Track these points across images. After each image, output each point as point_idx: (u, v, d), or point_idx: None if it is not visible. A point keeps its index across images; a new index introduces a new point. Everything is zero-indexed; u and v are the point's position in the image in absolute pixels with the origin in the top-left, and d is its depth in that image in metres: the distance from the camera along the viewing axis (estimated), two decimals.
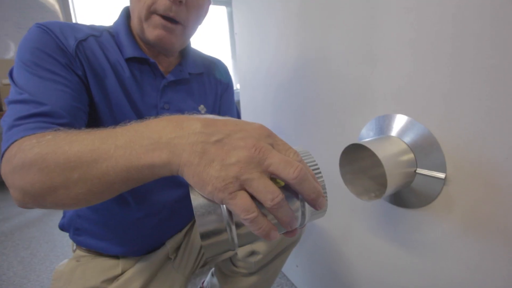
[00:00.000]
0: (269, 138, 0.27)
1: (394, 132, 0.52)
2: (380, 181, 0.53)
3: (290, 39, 0.77)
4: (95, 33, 0.53)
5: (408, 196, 0.52)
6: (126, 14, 0.58)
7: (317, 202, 0.26)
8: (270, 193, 0.24)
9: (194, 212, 0.25)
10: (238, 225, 0.26)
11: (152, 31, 0.52)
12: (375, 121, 0.56)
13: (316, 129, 0.74)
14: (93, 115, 0.51)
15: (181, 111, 0.63)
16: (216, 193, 0.24)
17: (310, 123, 0.76)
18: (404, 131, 0.50)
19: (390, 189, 0.46)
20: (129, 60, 0.55)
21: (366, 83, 0.57)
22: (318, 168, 0.30)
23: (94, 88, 0.50)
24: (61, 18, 2.14)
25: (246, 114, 1.10)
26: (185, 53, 0.66)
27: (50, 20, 0.56)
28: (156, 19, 0.51)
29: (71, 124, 0.42)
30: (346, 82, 0.61)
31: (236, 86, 2.30)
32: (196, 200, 0.26)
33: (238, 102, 1.14)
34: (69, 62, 0.47)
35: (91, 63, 0.50)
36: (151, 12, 0.51)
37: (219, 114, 0.74)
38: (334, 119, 0.67)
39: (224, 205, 0.25)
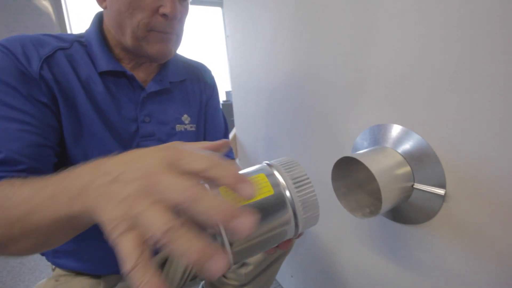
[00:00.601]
0: (172, 162, 0.22)
1: (389, 143, 0.48)
2: (376, 196, 0.49)
3: (283, 44, 0.74)
4: (64, 44, 0.50)
5: (406, 211, 0.48)
6: (99, 21, 0.54)
7: (227, 224, 0.19)
8: (156, 224, 0.18)
9: None
10: (231, 244, 0.24)
11: (153, 47, 0.51)
12: (370, 130, 0.52)
13: (309, 137, 0.71)
14: (64, 144, 0.48)
15: (163, 123, 0.59)
16: (109, 238, 0.20)
17: (303, 131, 0.73)
18: (400, 142, 0.47)
19: (385, 205, 0.42)
20: (103, 74, 0.51)
21: (360, 90, 0.53)
22: (307, 178, 0.29)
23: (64, 111, 0.47)
24: (54, 21, 2.11)
25: (239, 119, 1.07)
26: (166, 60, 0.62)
27: (44, 24, 0.53)
28: (155, 35, 0.50)
29: (32, 168, 0.40)
30: (340, 88, 0.58)
31: (228, 89, 2.27)
32: None
33: (231, 105, 1.11)
34: (31, 90, 0.43)
35: (59, 82, 0.47)
36: (148, 31, 0.49)
37: (205, 121, 0.70)
38: (328, 127, 0.64)
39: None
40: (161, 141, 0.60)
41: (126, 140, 0.55)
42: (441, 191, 0.42)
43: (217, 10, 2.96)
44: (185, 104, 0.64)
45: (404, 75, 0.45)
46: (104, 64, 0.51)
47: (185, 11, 0.54)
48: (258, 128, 0.95)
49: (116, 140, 0.53)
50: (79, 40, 0.52)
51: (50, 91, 0.45)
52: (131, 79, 0.54)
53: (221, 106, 0.76)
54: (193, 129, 0.66)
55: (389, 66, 0.47)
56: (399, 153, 0.46)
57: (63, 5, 2.18)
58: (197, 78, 0.69)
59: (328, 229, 0.71)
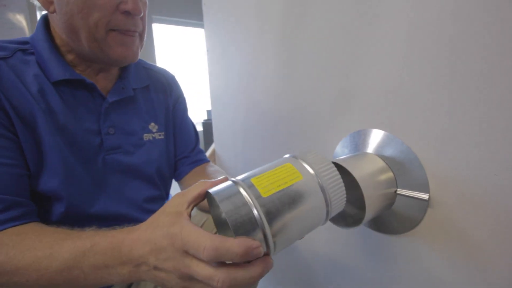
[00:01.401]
0: (184, 250, 0.27)
1: (370, 148, 0.47)
2: (359, 204, 0.47)
3: (262, 57, 0.73)
4: (3, 53, 0.44)
5: (389, 221, 0.46)
6: (46, 25, 0.49)
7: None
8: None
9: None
10: (273, 235, 0.27)
11: (115, 50, 0.47)
12: (350, 137, 0.51)
13: (289, 148, 0.69)
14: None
15: (129, 133, 0.55)
16: None
17: (283, 143, 0.71)
18: (381, 147, 0.46)
19: (369, 213, 0.40)
20: (58, 84, 0.47)
21: (340, 97, 0.52)
22: (331, 164, 0.33)
23: (20, 130, 0.42)
24: (27, 35, 2.04)
25: (218, 134, 1.04)
26: (127, 65, 0.58)
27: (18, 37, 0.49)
28: (116, 36, 0.46)
29: (16, 203, 0.41)
30: (320, 97, 0.57)
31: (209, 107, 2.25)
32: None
33: (211, 123, 1.08)
34: None
35: (8, 99, 0.41)
36: (107, 31, 0.45)
37: (174, 127, 0.67)
38: (307, 136, 0.62)
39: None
40: (129, 153, 0.55)
41: (90, 155, 0.50)
42: (425, 196, 0.40)
43: (201, 31, 3.01)
44: (151, 111, 0.61)
45: (384, 81, 0.45)
46: (58, 73, 0.46)
47: (145, 7, 0.51)
48: (237, 143, 0.93)
49: (78, 157, 0.48)
50: (22, 48, 0.46)
51: (3, 110, 0.41)
52: (90, 88, 0.50)
53: (188, 113, 0.73)
54: (162, 137, 0.63)
55: (369, 72, 0.47)
56: (381, 158, 0.45)
57: (38, 18, 2.12)
58: (161, 83, 0.66)
59: (307, 242, 0.68)
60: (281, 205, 0.28)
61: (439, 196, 0.40)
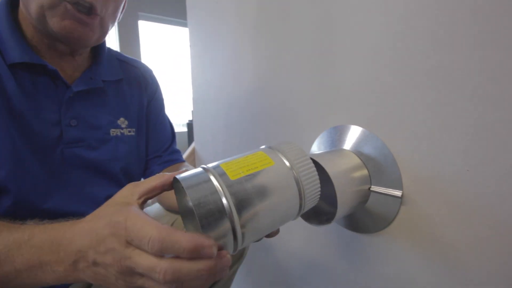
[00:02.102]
0: (127, 240, 0.25)
1: (346, 145, 0.46)
2: (331, 201, 0.46)
3: (241, 51, 0.71)
4: None
5: (363, 219, 0.45)
6: (9, 3, 0.45)
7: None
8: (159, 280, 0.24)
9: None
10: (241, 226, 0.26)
11: (58, 22, 0.41)
12: (327, 133, 0.50)
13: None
14: None
15: (94, 127, 0.52)
16: None
17: (262, 140, 0.69)
18: (357, 144, 0.45)
19: (341, 210, 0.39)
20: (15, 67, 0.43)
21: (318, 94, 0.51)
22: (306, 155, 0.32)
23: None
24: None
25: (199, 129, 1.01)
26: (99, 54, 0.55)
27: None
28: (66, 7, 0.41)
29: None
30: (298, 93, 0.56)
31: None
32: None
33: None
34: None
35: None
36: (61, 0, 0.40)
37: (147, 125, 0.64)
38: (287, 133, 0.61)
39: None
40: (92, 147, 0.52)
41: (46, 147, 0.46)
42: (398, 193, 0.39)
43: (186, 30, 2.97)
44: (122, 106, 0.57)
45: (362, 77, 0.44)
46: (16, 55, 0.42)
47: None
48: (217, 140, 0.90)
49: (33, 148, 0.44)
50: None
51: None
52: (53, 75, 0.46)
53: (165, 110, 0.70)
54: (132, 133, 0.59)
55: (347, 69, 0.46)
56: (356, 155, 0.44)
57: None
58: (136, 78, 0.62)
59: (282, 242, 0.66)
60: (252, 193, 0.26)
61: (412, 193, 0.39)
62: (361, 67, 0.43)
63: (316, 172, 0.32)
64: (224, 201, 0.25)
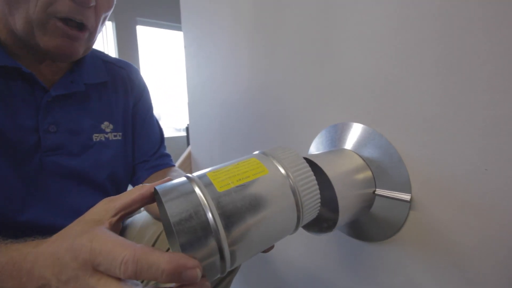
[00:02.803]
0: (94, 266, 0.21)
1: (347, 144, 0.42)
2: (332, 207, 0.42)
3: (236, 51, 0.68)
4: None
5: (368, 226, 0.41)
6: None
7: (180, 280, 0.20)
8: None
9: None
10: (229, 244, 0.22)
11: (50, 41, 0.40)
12: (326, 132, 0.46)
13: (266, 147, 0.63)
14: None
15: (75, 132, 0.48)
16: None
17: (259, 141, 0.65)
18: (359, 142, 0.41)
19: (343, 217, 0.35)
20: None
21: (315, 90, 0.48)
22: (304, 162, 0.28)
23: None
24: None
25: (195, 131, 0.98)
26: (81, 57, 0.51)
27: None
28: (57, 25, 0.39)
29: None
30: (296, 91, 0.52)
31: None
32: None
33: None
34: None
35: None
36: (48, 15, 0.38)
37: (133, 128, 0.60)
38: (282, 133, 0.57)
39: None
40: (72, 154, 0.48)
41: (22, 155, 0.43)
42: (406, 196, 0.35)
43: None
44: (105, 110, 0.54)
45: (363, 71, 0.40)
46: None
47: (106, 4, 0.44)
48: (213, 143, 0.87)
49: (7, 157, 0.41)
50: None
51: None
52: (29, 79, 0.43)
53: (154, 112, 0.66)
54: (119, 138, 0.55)
55: (346, 63, 0.42)
56: (358, 155, 0.40)
57: None
58: (123, 79, 0.58)
59: (280, 251, 0.62)
60: (243, 207, 0.23)
61: (422, 196, 0.35)
62: (361, 58, 0.39)
63: (315, 181, 0.28)
64: (210, 216, 0.21)
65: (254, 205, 0.24)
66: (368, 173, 0.38)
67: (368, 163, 0.39)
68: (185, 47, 1.00)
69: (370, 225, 0.40)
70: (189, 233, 0.20)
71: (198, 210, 0.21)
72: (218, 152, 0.84)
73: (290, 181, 0.26)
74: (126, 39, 2.82)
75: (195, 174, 0.26)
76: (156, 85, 3.13)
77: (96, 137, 0.52)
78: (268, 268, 0.68)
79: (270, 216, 0.25)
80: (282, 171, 0.27)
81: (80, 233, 0.23)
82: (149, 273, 0.20)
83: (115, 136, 0.55)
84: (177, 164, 1.02)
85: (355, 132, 0.41)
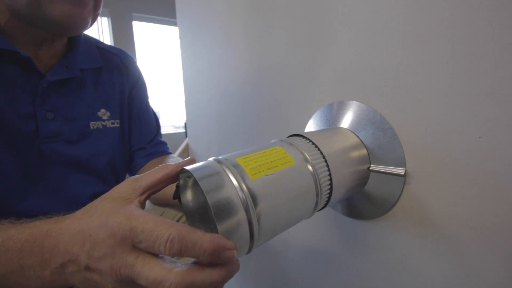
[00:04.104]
0: (132, 243, 0.22)
1: (344, 123, 0.42)
2: None
3: (230, 36, 0.68)
4: None
5: (363, 204, 0.41)
6: None
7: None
8: None
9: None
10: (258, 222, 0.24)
11: (59, 8, 0.38)
12: (320, 112, 0.46)
13: (259, 131, 0.63)
14: None
15: (72, 119, 0.48)
16: None
17: (253, 125, 0.65)
18: (355, 120, 0.40)
19: (337, 194, 0.35)
20: None
21: (310, 69, 0.47)
22: (322, 156, 0.32)
23: None
24: None
25: (192, 122, 0.98)
26: (75, 41, 0.51)
27: None
28: None
29: None
30: (290, 74, 0.52)
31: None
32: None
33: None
34: None
35: None
36: None
37: (130, 115, 0.60)
38: (278, 116, 0.57)
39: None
40: (70, 142, 0.48)
41: (21, 143, 0.42)
42: (401, 171, 0.35)
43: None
44: (102, 96, 0.54)
45: (355, 45, 0.40)
46: None
47: None
48: (209, 126, 0.87)
49: (6, 144, 0.41)
50: None
51: None
52: (25, 64, 0.42)
53: (149, 99, 0.66)
54: (116, 125, 0.55)
55: (341, 39, 0.42)
56: (354, 133, 0.40)
57: None
58: (117, 65, 0.58)
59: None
60: (270, 190, 0.25)
61: (416, 169, 0.35)
62: (353, 32, 0.39)
63: (329, 172, 0.32)
64: (241, 195, 0.23)
65: (281, 190, 0.25)
66: (363, 150, 0.38)
67: (363, 139, 0.39)
68: (180, 37, 1.00)
69: (365, 202, 0.40)
70: (224, 209, 0.21)
71: (231, 189, 0.22)
72: (215, 141, 0.84)
73: (313, 169, 0.29)
74: (122, 35, 2.81)
75: (221, 157, 0.27)
76: (154, 82, 3.12)
77: (93, 124, 0.52)
78: (264, 247, 0.68)
79: (294, 202, 0.27)
80: (309, 161, 0.29)
81: (112, 210, 0.23)
82: (192, 251, 0.20)
83: (112, 123, 0.55)
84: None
85: (349, 110, 0.41)
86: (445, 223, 0.33)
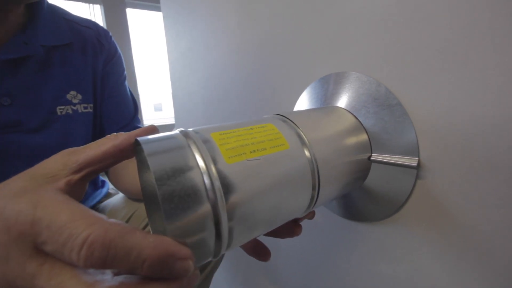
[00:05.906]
0: (23, 237, 0.14)
1: (338, 100, 0.33)
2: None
3: (215, 11, 0.59)
4: None
5: (363, 203, 0.32)
6: None
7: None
8: None
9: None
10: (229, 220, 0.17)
11: None
12: (311, 89, 0.37)
13: (247, 112, 0.55)
14: None
15: (34, 105, 0.41)
16: None
17: (240, 106, 0.57)
18: (353, 96, 0.32)
19: (326, 190, 0.26)
20: None
21: (306, 40, 0.38)
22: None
23: None
24: None
25: (178, 102, 0.90)
26: (36, 11, 0.43)
27: None
28: None
29: None
30: (280, 45, 0.43)
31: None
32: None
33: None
34: None
35: None
36: None
37: (102, 95, 0.52)
38: (268, 95, 0.48)
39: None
40: (34, 131, 0.41)
41: None
42: (412, 161, 0.26)
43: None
44: (72, 76, 0.46)
45: (354, 4, 0.31)
46: None
47: None
48: (197, 108, 0.79)
49: None
50: None
51: None
52: None
53: (125, 79, 0.57)
54: (90, 110, 0.48)
55: (342, 6, 0.33)
56: (351, 113, 0.31)
57: None
58: (90, 40, 0.50)
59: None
60: (252, 180, 0.19)
61: (433, 161, 0.26)
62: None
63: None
64: (206, 180, 0.16)
65: (267, 184, 0.19)
66: (362, 134, 0.30)
67: (363, 121, 0.30)
68: (164, 17, 0.91)
69: (366, 201, 0.32)
70: (178, 199, 0.15)
71: (193, 172, 0.16)
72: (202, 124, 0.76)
73: (312, 159, 0.23)
74: (116, 23, 2.71)
75: (192, 129, 0.20)
76: (151, 73, 3.04)
77: (61, 109, 0.44)
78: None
79: (282, 196, 0.20)
80: (305, 149, 0.23)
81: (20, 191, 0.16)
82: (125, 261, 0.13)
83: (85, 108, 0.47)
84: None
85: (346, 83, 0.32)
86: (470, 229, 0.25)
